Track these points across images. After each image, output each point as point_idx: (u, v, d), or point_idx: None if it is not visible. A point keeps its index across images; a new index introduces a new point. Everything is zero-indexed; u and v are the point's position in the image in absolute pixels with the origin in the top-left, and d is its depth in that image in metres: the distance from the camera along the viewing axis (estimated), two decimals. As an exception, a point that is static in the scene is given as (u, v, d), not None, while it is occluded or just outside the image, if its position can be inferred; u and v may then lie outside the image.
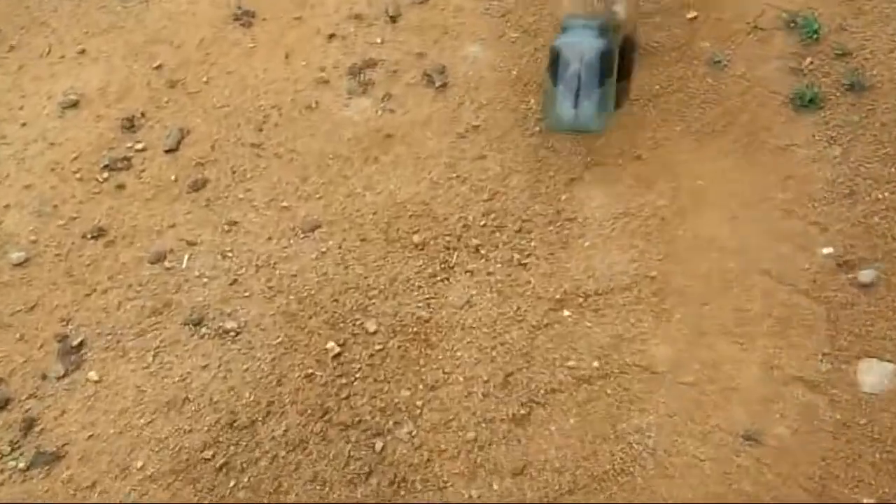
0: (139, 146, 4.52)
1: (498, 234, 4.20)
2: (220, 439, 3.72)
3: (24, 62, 4.82)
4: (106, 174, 4.42)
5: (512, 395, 3.80)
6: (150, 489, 3.63)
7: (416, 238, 4.19)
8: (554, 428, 3.73)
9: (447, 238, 4.19)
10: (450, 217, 4.25)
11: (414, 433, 3.73)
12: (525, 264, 4.11)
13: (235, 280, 4.09)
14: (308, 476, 3.65)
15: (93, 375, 3.86)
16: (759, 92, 4.59)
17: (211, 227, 4.24)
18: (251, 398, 3.80)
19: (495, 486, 3.62)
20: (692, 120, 4.53)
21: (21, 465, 3.66)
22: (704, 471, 3.62)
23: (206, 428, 3.74)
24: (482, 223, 4.23)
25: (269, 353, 3.90)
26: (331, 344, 3.91)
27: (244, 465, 3.67)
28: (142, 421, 3.76)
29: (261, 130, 4.55)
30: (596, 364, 3.86)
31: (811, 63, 4.64)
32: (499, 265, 4.11)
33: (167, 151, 4.50)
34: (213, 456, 3.68)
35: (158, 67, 4.80)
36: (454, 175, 4.37)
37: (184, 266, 4.13)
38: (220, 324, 3.97)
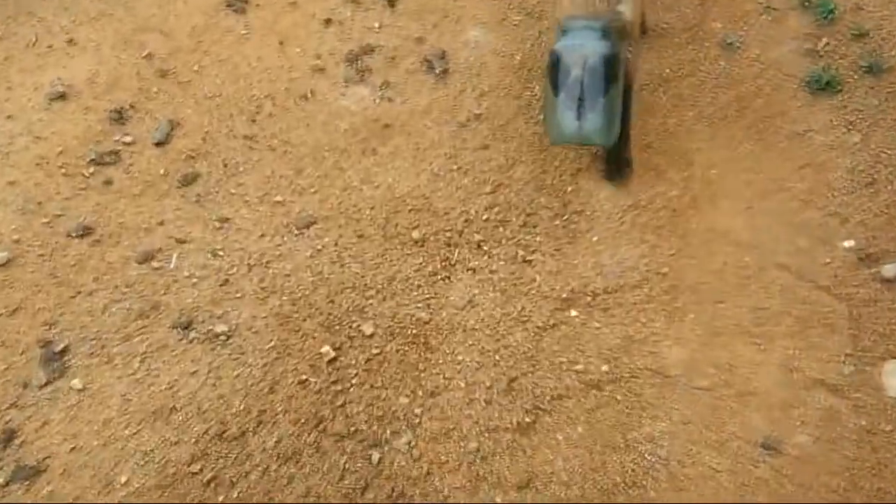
0: (128, 139, 4.16)
1: (501, 228, 3.84)
2: (209, 451, 3.39)
3: (10, 52, 4.46)
4: (93, 169, 4.07)
5: (516, 402, 3.46)
6: (135, 504, 3.32)
7: (415, 234, 3.83)
8: (561, 437, 3.39)
9: (448, 234, 3.84)
10: (451, 211, 3.90)
11: (413, 444, 3.39)
12: (530, 261, 3.76)
13: (226, 280, 3.75)
14: (301, 491, 3.32)
15: (76, 383, 3.53)
16: (774, 75, 4.24)
17: (201, 224, 3.90)
18: (241, 407, 3.46)
19: (499, 500, 3.30)
20: (704, 105, 4.17)
21: (0, 479, 3.33)
22: (720, 483, 3.31)
23: (193, 439, 3.41)
24: (485, 217, 3.87)
25: (261, 358, 3.56)
26: (326, 348, 3.57)
27: (234, 479, 3.34)
28: (127, 432, 3.43)
29: (254, 121, 4.19)
30: (605, 368, 3.51)
31: (827, 44, 4.30)
32: (502, 262, 3.76)
33: (157, 144, 4.14)
34: (201, 469, 3.35)
35: (148, 56, 4.43)
36: (455, 167, 4.02)
37: (172, 266, 3.79)
38: (210, 327, 3.63)
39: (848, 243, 3.77)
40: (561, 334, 3.60)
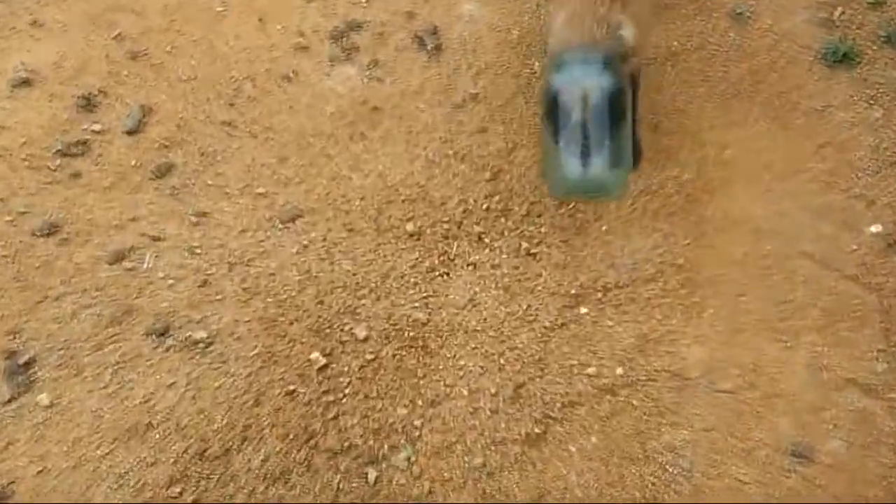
0: (97, 128, 3.70)
1: (503, 219, 3.41)
2: (189, 472, 2.97)
3: (-31, 35, 3.98)
4: (59, 161, 3.61)
5: (524, 411, 3.05)
6: (110, 532, 2.91)
7: (410, 226, 3.40)
8: (574, 448, 2.99)
9: (445, 225, 3.41)
10: (448, 201, 3.46)
11: (413, 459, 2.98)
12: (535, 254, 3.34)
13: (205, 281, 3.31)
14: (291, 515, 2.90)
15: (43, 399, 3.10)
16: (788, 47, 3.80)
17: (177, 220, 3.45)
18: (224, 422, 3.04)
19: (508, 521, 2.88)
20: (716, 81, 3.74)
21: (-40, 509, 2.91)
22: (748, 495, 2.91)
23: (172, 459, 2.98)
24: (485, 207, 3.44)
25: (245, 366, 3.13)
26: (315, 354, 3.15)
27: (217, 502, 2.90)
28: (99, 452, 3.01)
29: (232, 106, 3.73)
30: (620, 371, 3.10)
31: (843, 13, 3.88)
32: (505, 256, 3.34)
33: (128, 133, 3.68)
34: (181, 493, 2.94)
35: (118, 37, 3.96)
36: (451, 152, 3.58)
37: (146, 266, 3.35)
38: (189, 333, 3.20)
39: (875, 228, 3.37)
40: (570, 334, 3.18)
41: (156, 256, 3.37)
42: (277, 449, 3.00)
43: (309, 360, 3.15)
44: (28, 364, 3.16)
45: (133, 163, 3.60)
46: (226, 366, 3.14)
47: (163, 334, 3.19)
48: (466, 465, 2.96)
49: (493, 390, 3.08)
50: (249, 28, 3.96)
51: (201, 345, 3.17)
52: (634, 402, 3.05)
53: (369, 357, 3.15)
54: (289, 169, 3.57)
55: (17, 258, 3.38)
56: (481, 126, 3.64)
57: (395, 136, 3.63)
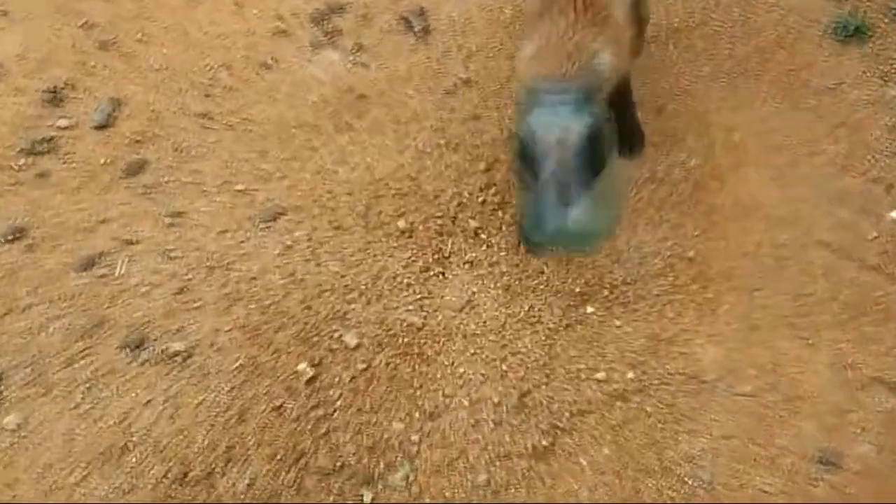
0: (64, 123, 3.36)
1: (500, 212, 3.10)
2: (170, 498, 2.65)
3: (-74, 27, 3.62)
4: (25, 160, 3.28)
5: (530, 422, 2.74)
6: (85, 565, 2.60)
7: (401, 223, 3.08)
8: (584, 461, 2.69)
9: (439, 221, 3.09)
10: (441, 194, 3.14)
11: (411, 478, 2.68)
12: (535, 250, 3.01)
13: (182, 287, 2.98)
14: (281, 542, 2.59)
15: (11, 421, 2.78)
16: (796, 22, 3.50)
17: (151, 221, 3.12)
18: (206, 442, 2.73)
19: (517, 543, 2.58)
20: (721, 59, 3.43)
21: (-79, 544, 2.60)
22: (774, 507, 2.59)
23: (151, 484, 2.68)
24: (481, 199, 3.13)
25: (227, 380, 2.82)
26: (303, 365, 2.83)
27: (201, 531, 2.61)
28: (72, 479, 2.70)
29: (208, 96, 3.39)
30: (631, 375, 2.80)
31: (852, -15, 3.54)
32: (503, 252, 3.03)
33: (97, 128, 3.35)
34: (162, 521, 2.62)
35: (86, 26, 3.60)
36: (443, 141, 3.26)
37: (119, 272, 3.01)
38: (165, 345, 2.88)
39: (895, 213, 3.05)
40: (577, 336, 2.88)
41: (129, 262, 3.04)
42: (264, 470, 2.69)
43: (296, 371, 2.83)
44: (-7, 383, 2.83)
45: (103, 160, 3.27)
46: (206, 380, 2.82)
47: (138, 347, 2.87)
48: (469, 482, 2.66)
49: (495, 400, 2.77)
50: (225, 13, 3.62)
51: (179, 358, 2.85)
52: (648, 408, 2.75)
53: (361, 366, 2.84)
54: (270, 163, 3.24)
55: (-21, 267, 3.04)
56: (474, 113, 3.32)
57: (382, 125, 3.31)
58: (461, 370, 2.83)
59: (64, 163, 3.27)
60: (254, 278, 3.00)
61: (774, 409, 2.75)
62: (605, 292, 2.95)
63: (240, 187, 3.19)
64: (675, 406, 2.76)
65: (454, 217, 3.10)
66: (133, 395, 2.80)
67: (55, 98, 3.42)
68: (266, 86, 3.43)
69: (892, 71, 3.38)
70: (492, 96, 3.34)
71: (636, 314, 2.91)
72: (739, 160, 3.20)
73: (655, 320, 2.90)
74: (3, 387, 2.84)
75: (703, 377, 2.79)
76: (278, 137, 3.29)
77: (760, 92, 3.35)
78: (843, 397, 2.76)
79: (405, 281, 2.99)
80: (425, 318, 2.92)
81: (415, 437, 2.73)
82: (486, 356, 2.85)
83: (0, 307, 2.99)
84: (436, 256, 3.03)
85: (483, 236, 3.06)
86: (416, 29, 3.52)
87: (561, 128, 2.53)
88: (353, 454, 2.70)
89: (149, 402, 2.79)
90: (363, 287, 2.98)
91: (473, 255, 3.03)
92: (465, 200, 3.12)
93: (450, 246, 3.05)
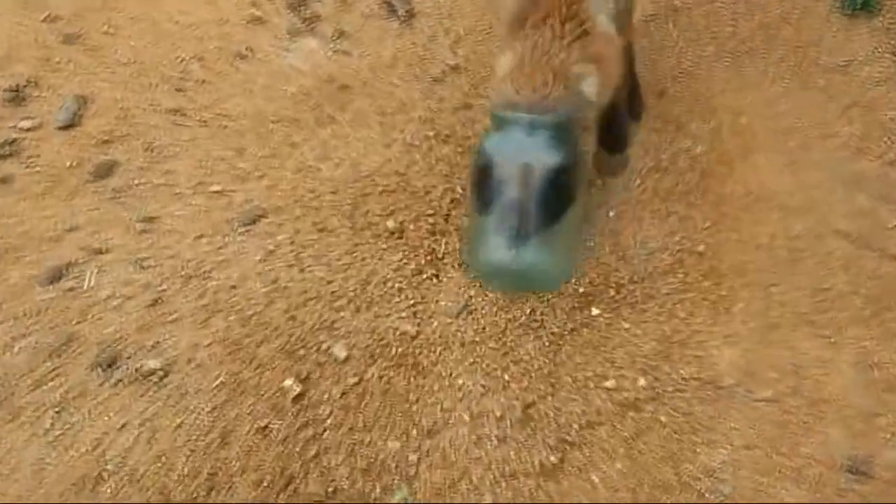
0: (27, 124, 3.07)
1: (496, 208, 2.79)
2: (149, 532, 2.37)
3: None
4: (-16, 164, 2.95)
5: (536, 436, 2.48)
6: None
7: (390, 222, 2.80)
8: (596, 478, 2.42)
9: (431, 219, 2.81)
10: (432, 190, 2.87)
11: (410, 501, 2.39)
12: (535, 249, 2.72)
13: (157, 299, 2.69)
14: (271, 578, 2.32)
15: (-26, 451, 2.48)
16: (802, -5, 3.20)
17: (122, 228, 2.83)
18: (187, 469, 2.45)
19: (526, 571, 2.32)
20: (724, 38, 3.17)
21: None
22: (801, 522, 2.34)
23: (128, 517, 2.38)
24: (474, 195, 2.82)
25: (208, 400, 2.54)
26: (289, 381, 2.56)
27: (183, 567, 2.33)
28: (42, 513, 2.40)
29: (180, 91, 3.10)
30: (642, 382, 2.54)
31: (858, -45, 3.27)
32: (501, 252, 2.72)
33: (62, 128, 3.05)
34: (141, 558, 2.34)
35: (49, 19, 3.29)
36: (432, 133, 2.98)
37: (88, 284, 2.72)
38: (140, 363, 2.59)
39: (916, 198, 2.81)
40: (583, 341, 2.61)
41: (98, 273, 2.75)
42: (250, 498, 2.41)
43: (282, 388, 2.55)
44: (-46, 409, 2.54)
45: (69, 163, 2.98)
46: (185, 400, 2.54)
47: (110, 366, 2.59)
48: (473, 505, 2.39)
49: (498, 413, 2.50)
50: (196, 1, 3.31)
51: (155, 377, 2.57)
52: (662, 418, 2.49)
53: (352, 381, 2.56)
54: (247, 161, 2.95)
55: (-62, 282, 2.74)
56: (464, 101, 3.05)
57: (367, 117, 3.02)
58: (460, 381, 2.55)
59: (27, 167, 2.98)
60: (233, 287, 2.71)
61: (797, 414, 2.49)
62: (612, 292, 2.68)
63: (216, 188, 2.89)
64: (691, 415, 2.49)
65: (447, 214, 2.82)
66: (106, 418, 2.52)
67: (17, 97, 3.13)
68: (242, 78, 3.14)
69: (904, 46, 3.12)
70: (482, 83, 3.05)
71: (645, 315, 2.65)
72: (748, 145, 2.93)
73: (666, 321, 2.63)
74: (-35, 413, 2.54)
75: (719, 382, 2.53)
76: (256, 133, 3.00)
77: (767, 72, 3.10)
78: (869, 400, 2.51)
79: (397, 286, 2.71)
80: (419, 325, 2.64)
81: (413, 457, 2.45)
82: (487, 365, 2.58)
83: (-39, 326, 2.68)
84: (429, 258, 2.75)
85: (479, 235, 2.76)
86: (399, 13, 3.22)
87: (527, 158, 2.24)
88: (347, 477, 2.43)
89: (124, 426, 2.51)
90: (351, 294, 2.70)
91: (469, 255, 2.74)
92: (457, 196, 2.85)
93: (443, 246, 2.77)
